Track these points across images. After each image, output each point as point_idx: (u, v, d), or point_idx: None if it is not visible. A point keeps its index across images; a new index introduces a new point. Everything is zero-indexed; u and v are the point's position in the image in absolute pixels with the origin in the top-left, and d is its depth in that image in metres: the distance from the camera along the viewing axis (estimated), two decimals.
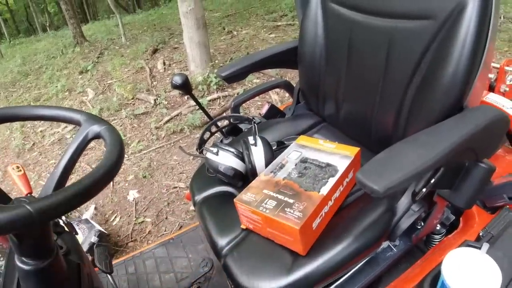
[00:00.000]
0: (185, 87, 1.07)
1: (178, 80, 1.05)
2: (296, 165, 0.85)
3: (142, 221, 2.14)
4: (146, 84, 3.85)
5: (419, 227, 0.85)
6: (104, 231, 1.90)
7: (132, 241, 2.01)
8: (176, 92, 3.51)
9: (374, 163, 0.55)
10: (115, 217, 2.22)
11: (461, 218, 0.99)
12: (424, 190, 0.62)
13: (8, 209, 0.44)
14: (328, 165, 0.83)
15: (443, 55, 0.72)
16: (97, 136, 0.72)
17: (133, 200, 2.31)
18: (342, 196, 0.82)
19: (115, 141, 0.66)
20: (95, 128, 0.72)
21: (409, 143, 0.62)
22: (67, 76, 4.73)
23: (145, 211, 2.22)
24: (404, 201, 0.78)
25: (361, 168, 0.54)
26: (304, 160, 0.87)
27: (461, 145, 0.59)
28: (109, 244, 1.92)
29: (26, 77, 5.32)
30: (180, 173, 2.53)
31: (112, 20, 8.49)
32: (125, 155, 2.80)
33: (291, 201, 0.73)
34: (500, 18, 5.12)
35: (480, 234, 0.81)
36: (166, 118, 3.14)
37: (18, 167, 0.99)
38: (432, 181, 0.62)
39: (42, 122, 3.75)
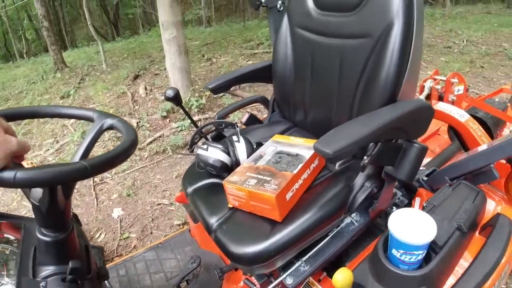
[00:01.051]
0: (177, 99, 1.25)
1: (170, 93, 1.24)
2: (272, 156, 1.04)
3: (127, 237, 2.21)
4: (128, 108, 3.97)
5: (374, 203, 1.05)
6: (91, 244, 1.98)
7: (117, 256, 2.08)
8: (158, 115, 3.67)
9: (326, 136, 0.76)
10: (100, 234, 2.28)
11: (413, 201, 1.19)
12: (367, 160, 0.82)
13: (70, 164, 0.61)
14: (297, 154, 1.03)
15: (378, 63, 0.96)
16: (110, 127, 0.88)
17: (117, 218, 2.39)
18: (310, 178, 1.02)
19: (128, 126, 0.83)
20: (109, 121, 0.87)
21: (352, 122, 0.84)
22: (48, 101, 4.77)
23: (130, 227, 2.30)
24: (358, 180, 0.99)
25: (317, 140, 0.74)
26: (278, 152, 1.06)
27: (391, 123, 0.81)
28: (102, 247, 2.01)
29: (6, 101, 5.30)
30: (164, 190, 2.65)
31: (91, 47, 8.60)
32: (109, 175, 2.91)
33: (268, 179, 0.92)
34: (463, 42, 5.62)
35: (424, 205, 1.01)
36: (149, 140, 3.27)
37: (32, 163, 1.12)
38: (373, 153, 0.82)
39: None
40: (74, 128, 3.82)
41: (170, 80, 3.74)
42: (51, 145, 3.65)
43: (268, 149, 1.08)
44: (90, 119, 0.91)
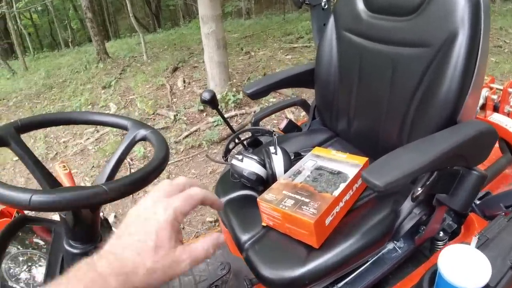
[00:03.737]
0: (213, 102, 1.20)
1: (207, 96, 1.18)
2: (311, 172, 0.97)
3: None
4: (167, 100, 4.01)
5: (421, 230, 0.95)
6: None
7: None
8: (195, 108, 3.67)
9: (377, 164, 0.67)
10: None
11: (462, 226, 1.08)
12: (420, 189, 0.73)
13: (88, 188, 0.57)
14: (339, 172, 0.94)
15: (438, 76, 0.85)
16: (143, 138, 0.84)
17: None
18: (352, 199, 0.93)
19: (161, 141, 0.79)
20: (142, 132, 0.84)
21: (406, 148, 0.74)
22: (90, 91, 4.91)
23: None
24: (406, 205, 0.89)
25: (366, 168, 0.66)
26: (318, 168, 0.98)
27: (450, 152, 0.71)
28: None
29: (50, 89, 5.51)
30: None
31: (133, 38, 8.76)
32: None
33: (307, 200, 0.85)
34: (508, 42, 5.20)
35: (477, 236, 0.90)
36: (185, 133, 3.28)
37: (64, 166, 1.11)
38: (428, 183, 0.73)
39: (65, 133, 3.92)
40: None
41: (208, 74, 3.72)
42: (91, 134, 3.75)
43: (307, 164, 1.01)
44: (124, 128, 0.88)
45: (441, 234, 1.05)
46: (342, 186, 0.88)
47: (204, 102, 1.20)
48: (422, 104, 0.92)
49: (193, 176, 2.77)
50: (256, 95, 1.26)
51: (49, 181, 0.77)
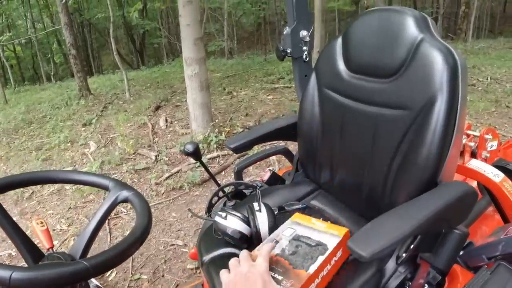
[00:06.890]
0: (196, 154, 1.20)
1: (190, 148, 1.19)
2: (289, 242, 0.92)
3: (138, 278, 2.14)
4: (148, 140, 3.98)
5: (407, 287, 0.95)
6: (101, 286, 1.92)
7: None
8: (177, 149, 3.65)
9: (362, 233, 0.67)
10: (111, 272, 2.21)
11: (446, 278, 1.08)
12: (404, 254, 0.74)
13: (70, 265, 0.55)
14: (318, 244, 0.89)
15: (418, 139, 0.88)
16: (125, 200, 0.83)
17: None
18: (331, 273, 0.87)
19: (143, 205, 0.78)
20: (124, 193, 0.83)
21: (390, 216, 0.75)
22: (70, 128, 4.83)
23: (141, 267, 2.23)
24: (391, 264, 0.89)
25: (351, 237, 0.66)
26: (296, 238, 0.93)
27: (433, 217, 0.73)
28: None
29: (29, 125, 5.38)
30: (178, 230, 2.57)
31: (116, 74, 8.76)
32: (124, 209, 2.87)
33: (280, 278, 0.79)
34: (487, 79, 5.45)
35: None
36: (166, 175, 3.23)
37: (42, 222, 1.07)
38: (411, 246, 0.74)
39: None
40: (94, 157, 3.84)
41: (191, 115, 3.73)
42: None
43: (286, 232, 0.96)
44: (105, 188, 0.87)
45: (426, 286, 1.05)
46: (320, 260, 0.83)
47: (187, 154, 1.20)
48: (404, 164, 0.94)
49: (174, 219, 2.70)
50: (239, 150, 1.27)
51: (33, 254, 0.75)
